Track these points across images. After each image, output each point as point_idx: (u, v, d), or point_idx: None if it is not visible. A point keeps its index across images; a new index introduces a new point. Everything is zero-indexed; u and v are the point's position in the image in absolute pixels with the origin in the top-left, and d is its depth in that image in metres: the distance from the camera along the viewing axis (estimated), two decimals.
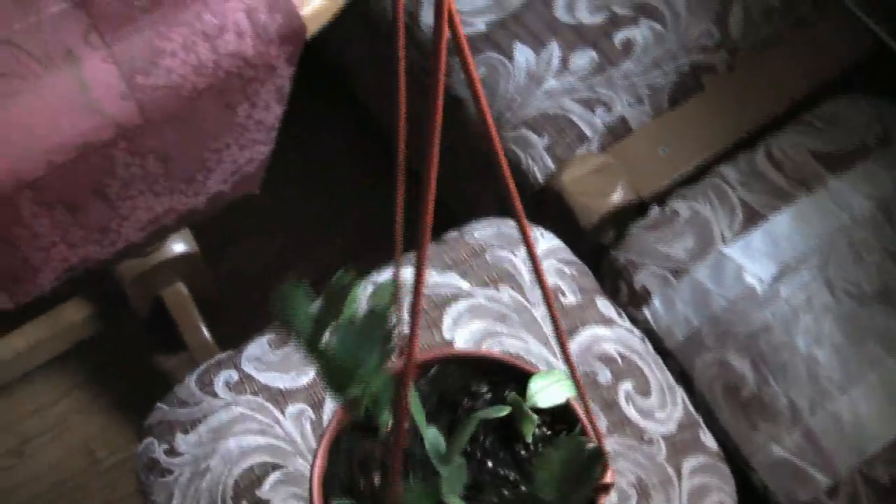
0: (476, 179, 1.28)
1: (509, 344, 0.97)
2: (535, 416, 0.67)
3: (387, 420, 0.61)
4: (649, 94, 1.15)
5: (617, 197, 1.10)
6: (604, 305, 1.02)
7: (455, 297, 1.00)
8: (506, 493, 0.65)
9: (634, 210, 1.10)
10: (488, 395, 0.69)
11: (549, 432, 0.68)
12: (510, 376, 0.70)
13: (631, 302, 1.05)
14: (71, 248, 0.77)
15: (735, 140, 1.13)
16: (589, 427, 0.65)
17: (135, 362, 1.54)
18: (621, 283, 1.06)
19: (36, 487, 1.49)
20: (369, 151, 1.58)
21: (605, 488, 0.65)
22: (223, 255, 1.60)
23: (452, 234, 1.07)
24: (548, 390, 0.67)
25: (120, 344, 1.51)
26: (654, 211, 1.08)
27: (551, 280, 1.01)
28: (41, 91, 0.71)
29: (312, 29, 0.78)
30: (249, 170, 0.83)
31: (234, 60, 0.75)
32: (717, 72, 1.16)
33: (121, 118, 0.72)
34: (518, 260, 1.03)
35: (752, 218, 1.04)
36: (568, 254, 1.05)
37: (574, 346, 0.98)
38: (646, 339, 1.01)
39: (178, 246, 1.40)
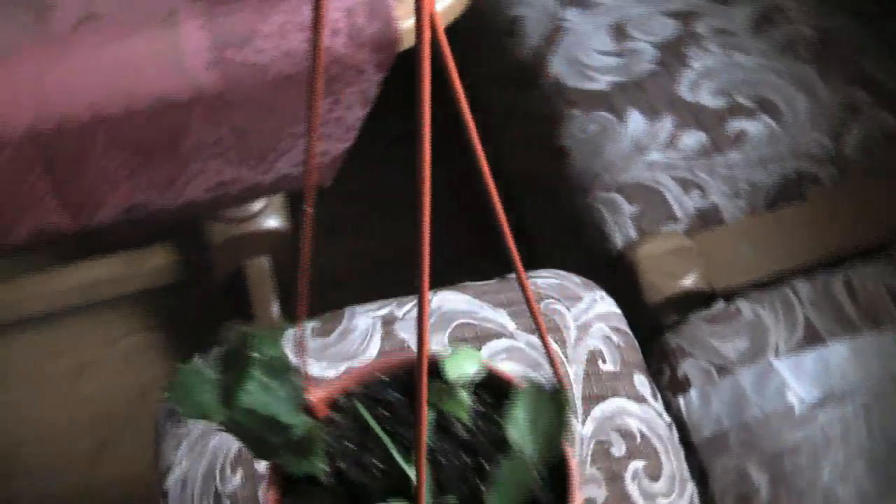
0: (566, 231, 1.29)
1: None
2: (463, 393, 0.66)
3: (322, 467, 0.61)
4: (748, 189, 1.14)
5: (688, 283, 1.09)
6: (641, 382, 1.01)
7: (498, 335, 1.01)
8: (486, 467, 0.64)
9: (701, 299, 1.10)
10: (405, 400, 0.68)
11: (481, 407, 0.68)
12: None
13: (670, 387, 1.04)
14: (135, 190, 0.82)
15: (821, 258, 1.11)
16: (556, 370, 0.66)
17: (204, 319, 1.59)
18: (666, 366, 1.05)
19: (80, 411, 1.55)
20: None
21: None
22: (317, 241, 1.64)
23: (514, 276, 1.08)
24: (461, 365, 0.66)
25: (195, 298, 1.57)
26: (719, 305, 1.07)
27: (594, 343, 1.01)
28: (136, 41, 0.75)
29: (409, 41, 0.80)
30: (323, 161, 0.86)
31: (324, 55, 0.78)
32: (822, 185, 1.15)
33: (203, 84, 0.76)
34: (570, 316, 1.04)
35: (812, 339, 1.02)
36: (621, 323, 1.05)
37: (597, 411, 0.97)
38: (673, 427, 1.01)
39: (272, 221, 1.45)
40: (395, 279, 1.00)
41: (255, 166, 0.83)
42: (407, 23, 0.79)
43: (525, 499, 0.60)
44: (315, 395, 0.64)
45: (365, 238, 1.70)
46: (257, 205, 1.43)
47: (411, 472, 0.62)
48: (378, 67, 0.79)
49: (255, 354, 0.55)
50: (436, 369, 0.66)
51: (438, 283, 1.06)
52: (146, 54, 0.75)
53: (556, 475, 0.63)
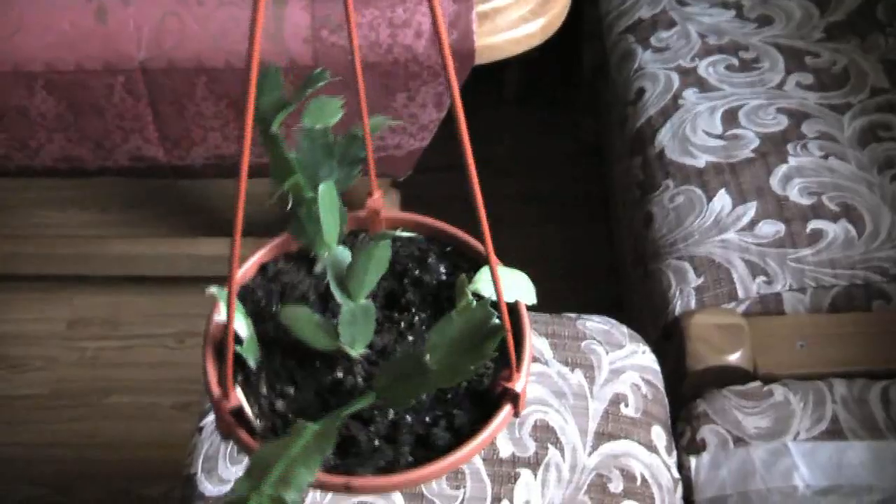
0: (643, 290, 1.33)
1: (551, 417, 1.03)
2: (473, 301, 0.61)
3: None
4: (814, 287, 1.17)
5: (733, 359, 1.12)
6: (658, 435, 1.05)
7: (533, 360, 1.07)
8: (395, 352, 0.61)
9: (741, 376, 1.12)
10: (443, 276, 0.65)
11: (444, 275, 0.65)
12: (472, 265, 0.65)
13: (687, 447, 1.07)
14: (225, 139, 0.92)
15: (872, 369, 1.12)
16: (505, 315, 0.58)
17: None
18: (688, 428, 1.09)
19: (173, 373, 1.67)
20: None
21: (514, 397, 0.58)
22: None
23: (569, 316, 1.14)
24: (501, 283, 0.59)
25: None
26: (755, 384, 1.10)
27: (622, 388, 1.06)
28: (248, 10, 0.86)
29: (486, 57, 0.88)
30: (396, 154, 0.95)
31: (405, 52, 0.87)
32: (890, 301, 1.16)
33: (296, 55, 0.86)
34: (606, 359, 1.09)
35: (834, 433, 1.04)
36: (655, 378, 1.09)
37: (606, 448, 1.02)
38: (679, 484, 1.04)
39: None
40: None
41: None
42: (483, 40, 0.87)
43: (407, 398, 0.56)
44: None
45: None
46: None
47: (344, 303, 0.60)
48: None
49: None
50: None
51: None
52: None
53: (480, 420, 0.59)
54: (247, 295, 0.63)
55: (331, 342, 0.60)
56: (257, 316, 0.62)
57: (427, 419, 0.59)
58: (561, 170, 1.94)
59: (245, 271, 0.65)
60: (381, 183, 1.41)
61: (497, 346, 0.55)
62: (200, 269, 1.67)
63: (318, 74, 0.56)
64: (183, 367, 1.68)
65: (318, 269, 0.64)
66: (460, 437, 0.58)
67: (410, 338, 0.63)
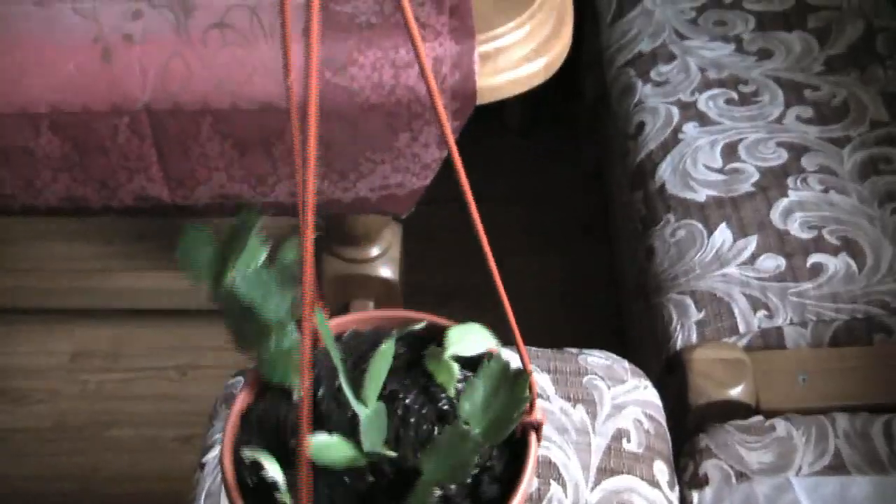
0: (644, 325, 1.34)
1: (553, 453, 1.03)
2: (455, 366, 0.64)
3: (295, 384, 0.59)
4: (815, 321, 1.17)
5: (734, 393, 1.13)
6: (660, 470, 1.05)
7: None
8: (434, 431, 0.63)
9: (743, 411, 1.13)
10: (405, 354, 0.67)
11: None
12: (432, 337, 0.67)
13: (689, 483, 1.08)
14: (230, 180, 0.93)
15: (874, 403, 1.13)
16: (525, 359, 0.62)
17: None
18: (691, 462, 1.09)
19: (176, 405, 1.68)
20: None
21: (536, 428, 0.63)
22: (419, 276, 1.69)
23: (571, 351, 1.14)
24: (466, 340, 0.63)
25: None
26: (757, 418, 1.10)
27: (624, 423, 1.06)
28: (252, 51, 0.87)
29: (488, 98, 0.89)
30: (398, 193, 0.96)
31: (407, 93, 0.88)
32: (891, 335, 1.17)
33: (301, 97, 0.86)
34: (608, 395, 1.09)
35: (837, 468, 1.04)
36: (657, 413, 1.09)
37: (608, 483, 1.02)
38: None
39: (385, 270, 1.55)
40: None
41: (336, 182, 0.94)
42: (485, 80, 0.88)
43: (462, 471, 0.58)
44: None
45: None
46: (374, 251, 1.54)
47: (359, 411, 0.61)
48: (455, 114, 0.88)
49: (259, 237, 0.57)
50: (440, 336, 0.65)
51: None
52: (257, 63, 0.87)
53: (513, 459, 0.62)
54: (250, 440, 0.63)
55: (359, 455, 0.61)
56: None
57: (469, 480, 0.61)
58: (563, 199, 1.94)
59: (231, 426, 0.64)
60: (383, 218, 1.41)
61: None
62: (204, 302, 1.67)
63: (249, 216, 0.56)
64: (185, 400, 1.69)
65: (296, 396, 0.63)
66: (503, 482, 0.61)
67: (412, 419, 0.64)
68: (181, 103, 0.89)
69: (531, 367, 0.64)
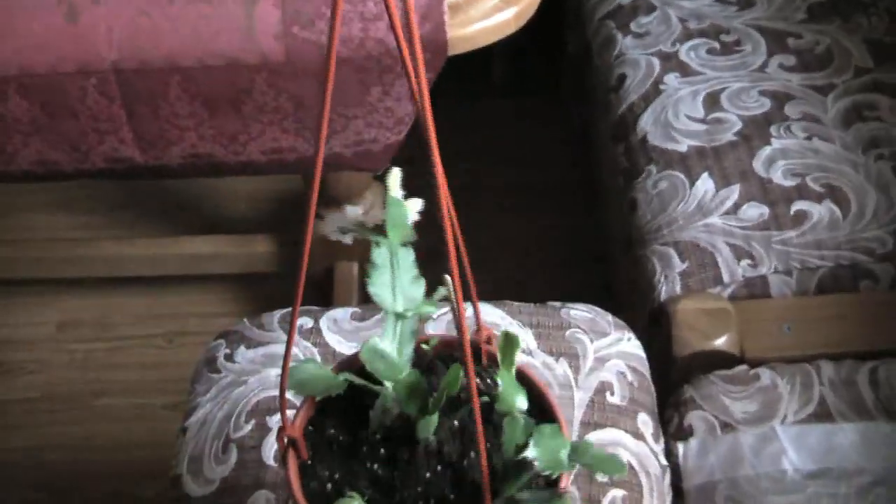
0: (629, 278, 1.33)
1: None
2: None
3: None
4: (800, 269, 1.16)
5: (719, 343, 1.12)
6: (644, 422, 1.05)
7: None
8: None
9: (728, 361, 1.12)
10: None
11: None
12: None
13: (675, 434, 1.07)
14: (201, 139, 0.92)
15: (859, 351, 1.12)
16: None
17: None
18: (676, 414, 1.08)
19: (164, 372, 1.67)
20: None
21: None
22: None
23: (554, 305, 1.13)
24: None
25: (287, 291, 1.65)
26: (741, 368, 1.10)
27: (607, 376, 1.06)
28: (218, 7, 0.86)
29: (459, 48, 0.88)
30: (373, 148, 0.95)
31: (377, 46, 0.86)
32: (878, 281, 1.16)
33: (268, 52, 0.85)
34: (591, 347, 1.08)
35: (822, 416, 1.04)
36: (640, 365, 1.09)
37: (592, 436, 1.01)
38: (668, 471, 1.04)
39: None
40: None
41: (309, 139, 0.92)
42: (456, 31, 0.87)
43: None
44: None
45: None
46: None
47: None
48: (427, 66, 0.87)
49: None
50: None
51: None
52: (225, 20, 0.86)
53: None
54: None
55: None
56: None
57: None
58: (550, 158, 1.93)
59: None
60: (364, 178, 1.40)
61: None
62: (189, 268, 1.67)
63: None
64: (173, 367, 1.68)
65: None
66: None
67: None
68: (148, 62, 0.88)
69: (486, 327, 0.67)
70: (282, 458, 0.70)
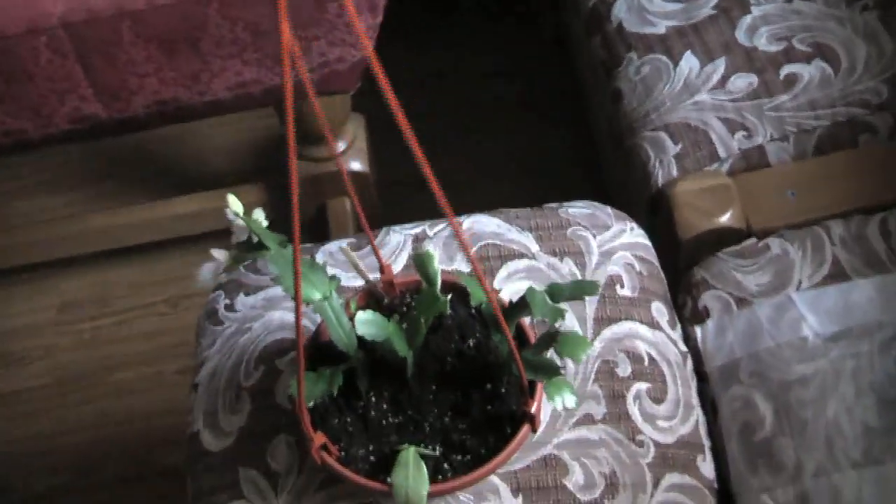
0: (622, 171, 1.30)
1: None
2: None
3: None
4: (796, 133, 1.13)
5: (723, 220, 1.10)
6: (658, 310, 1.02)
7: (520, 256, 1.04)
8: None
9: (736, 237, 1.10)
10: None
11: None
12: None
13: (690, 318, 1.05)
14: (162, 84, 0.88)
15: (867, 206, 1.09)
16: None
17: None
18: (688, 298, 1.06)
19: (171, 339, 1.65)
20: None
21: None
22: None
23: (550, 206, 1.11)
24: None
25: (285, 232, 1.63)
26: (750, 241, 1.07)
27: (615, 269, 1.03)
28: None
29: None
30: (339, 68, 0.91)
31: None
32: (877, 133, 1.13)
33: None
34: (594, 242, 1.06)
35: (837, 276, 1.01)
36: (647, 253, 1.06)
37: (607, 332, 0.99)
38: (688, 357, 1.01)
39: (354, 163, 1.51)
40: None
41: (272, 67, 0.89)
42: None
43: None
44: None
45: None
46: (340, 146, 1.49)
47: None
48: None
49: None
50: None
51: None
52: None
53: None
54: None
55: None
56: None
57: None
58: (531, 70, 1.89)
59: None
60: (341, 108, 1.37)
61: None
62: (181, 229, 1.64)
63: None
64: (180, 331, 1.66)
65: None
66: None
67: None
68: (96, 10, 0.84)
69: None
70: (322, 464, 0.78)
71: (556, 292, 0.80)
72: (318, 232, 1.55)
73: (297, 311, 0.65)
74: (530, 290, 0.79)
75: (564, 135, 1.77)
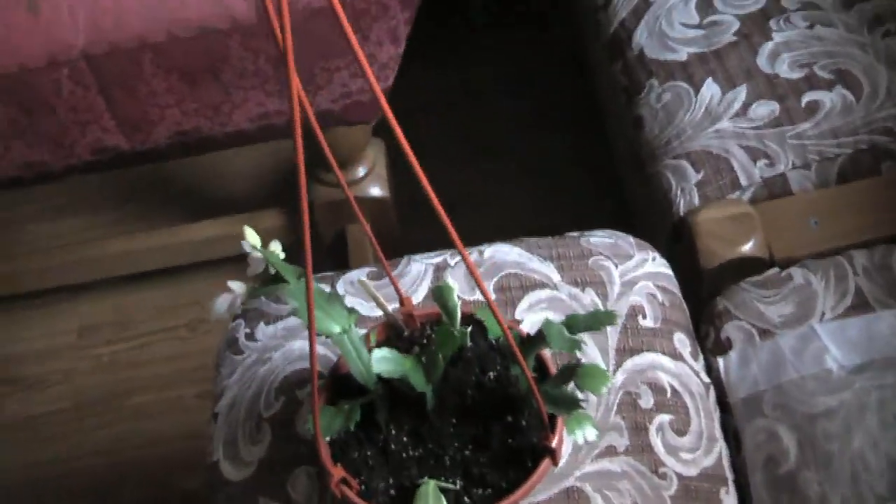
0: (644, 198, 1.30)
1: None
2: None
3: None
4: (818, 160, 1.12)
5: (746, 249, 1.09)
6: (681, 341, 1.02)
7: (542, 286, 1.04)
8: None
9: (759, 266, 1.09)
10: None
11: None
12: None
13: (713, 349, 1.04)
14: (184, 115, 0.88)
15: (891, 234, 1.08)
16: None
17: None
18: (711, 328, 1.05)
19: (190, 362, 1.65)
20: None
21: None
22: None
23: (572, 234, 1.10)
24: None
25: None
26: (772, 271, 1.06)
27: (637, 300, 1.02)
28: None
29: None
30: (362, 99, 0.91)
31: None
32: None
33: (238, 15, 0.82)
34: (616, 272, 1.05)
35: (860, 307, 1.00)
36: (669, 283, 1.05)
37: (629, 364, 0.98)
38: (711, 388, 1.01)
39: (374, 189, 1.51)
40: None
41: None
42: None
43: None
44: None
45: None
46: (360, 171, 1.49)
47: None
48: (402, 4, 0.83)
49: None
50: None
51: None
52: None
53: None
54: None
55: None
56: None
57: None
58: (546, 88, 1.88)
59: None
60: (361, 135, 1.37)
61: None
62: (200, 254, 1.65)
63: None
64: (200, 356, 1.66)
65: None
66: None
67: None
68: (117, 42, 0.84)
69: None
70: (342, 498, 0.77)
71: (573, 324, 0.80)
72: (340, 255, 1.55)
73: (311, 347, 0.65)
74: (547, 321, 0.78)
75: (579, 153, 1.76)
